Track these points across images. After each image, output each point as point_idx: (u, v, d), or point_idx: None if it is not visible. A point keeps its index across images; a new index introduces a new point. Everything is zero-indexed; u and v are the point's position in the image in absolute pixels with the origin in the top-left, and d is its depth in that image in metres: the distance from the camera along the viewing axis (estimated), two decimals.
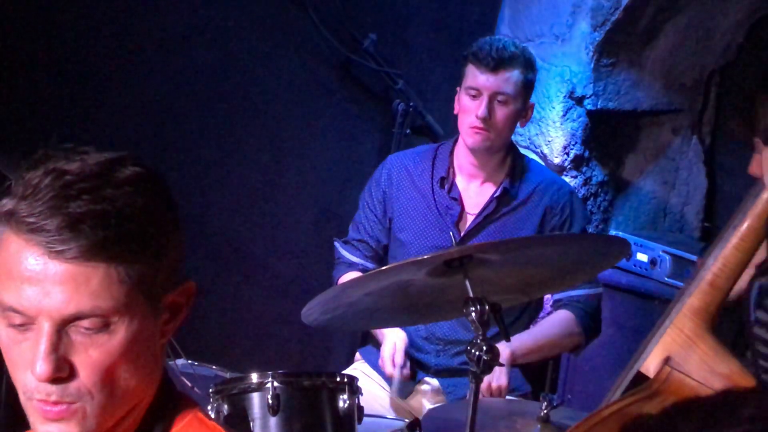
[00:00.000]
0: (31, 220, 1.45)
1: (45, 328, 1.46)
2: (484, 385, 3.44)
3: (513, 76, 3.54)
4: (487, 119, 3.51)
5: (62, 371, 1.47)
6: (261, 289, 4.19)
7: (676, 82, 4.93)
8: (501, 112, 3.54)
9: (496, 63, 3.51)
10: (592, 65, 4.75)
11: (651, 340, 2.43)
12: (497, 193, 3.64)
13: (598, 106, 4.82)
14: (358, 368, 3.73)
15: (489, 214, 3.64)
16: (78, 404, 1.50)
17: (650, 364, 2.37)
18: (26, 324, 1.48)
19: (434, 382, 3.69)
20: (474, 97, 3.54)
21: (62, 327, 1.47)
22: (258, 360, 3.07)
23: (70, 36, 3.82)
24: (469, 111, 3.55)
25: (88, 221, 1.45)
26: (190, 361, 3.14)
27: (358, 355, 3.84)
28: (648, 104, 4.93)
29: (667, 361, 2.34)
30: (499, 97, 3.52)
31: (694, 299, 2.37)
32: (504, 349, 3.51)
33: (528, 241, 3.25)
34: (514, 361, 3.53)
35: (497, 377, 3.47)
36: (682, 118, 5.00)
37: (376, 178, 3.77)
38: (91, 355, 1.49)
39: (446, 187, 3.65)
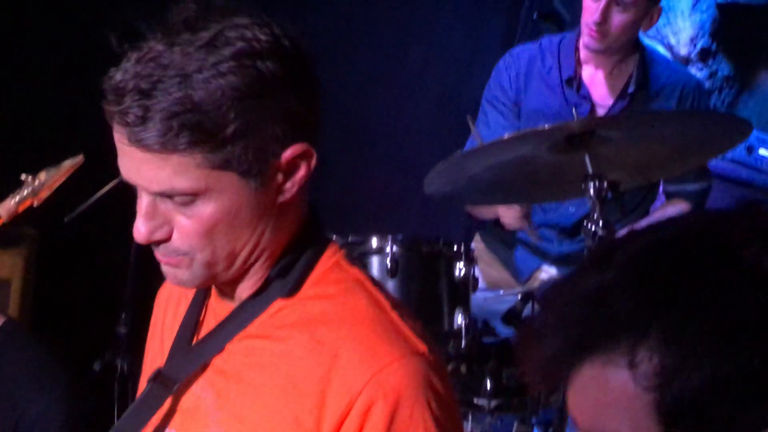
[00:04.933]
0: (114, 109, 1.51)
1: (145, 200, 1.57)
2: None
3: None
4: (601, 24, 3.39)
5: (158, 234, 1.57)
6: (384, 163, 4.23)
7: None
8: (618, 18, 3.40)
9: None
10: None
11: None
12: (632, 88, 3.57)
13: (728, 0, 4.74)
14: (476, 249, 3.75)
15: (623, 109, 3.58)
16: (181, 257, 1.59)
17: None
18: (138, 190, 1.58)
19: (552, 270, 3.71)
20: None
21: (159, 198, 1.56)
22: (378, 230, 3.13)
23: None
24: (588, 11, 3.42)
25: (166, 111, 1.49)
26: None
27: (477, 236, 3.85)
28: None
29: None
30: (619, 5, 3.38)
31: None
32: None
33: (651, 116, 3.20)
34: None
35: None
36: None
37: (503, 74, 3.69)
38: (184, 223, 1.56)
39: (574, 85, 3.59)
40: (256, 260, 1.63)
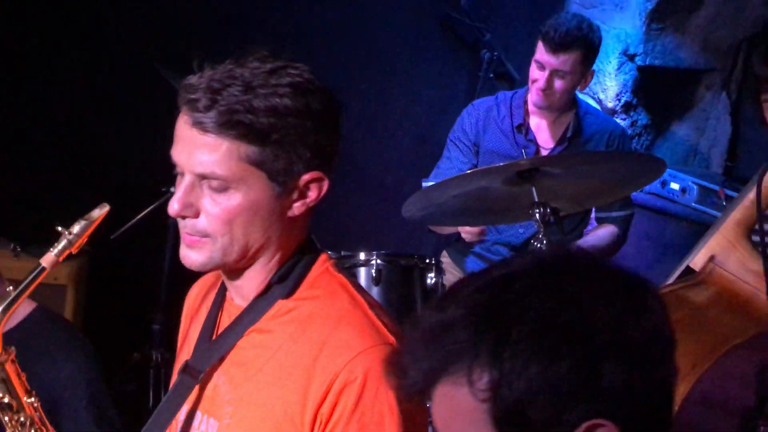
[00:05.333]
0: (190, 96, 1.51)
1: (186, 179, 1.55)
2: None
3: (572, 57, 3.37)
4: (546, 89, 3.41)
5: (188, 212, 1.55)
6: (370, 192, 4.21)
7: (712, 47, 4.83)
8: (559, 84, 3.41)
9: (557, 46, 3.35)
10: (644, 29, 4.68)
11: (700, 243, 2.42)
12: (570, 134, 3.55)
13: (647, 63, 4.76)
14: (444, 262, 3.75)
15: (562, 151, 3.54)
16: (205, 240, 1.57)
17: (698, 261, 2.36)
18: (182, 174, 1.56)
19: None
20: (539, 68, 3.42)
21: (198, 181, 1.54)
22: (365, 247, 3.14)
23: None
24: (534, 78, 3.45)
25: (228, 107, 1.49)
26: None
27: (444, 252, 3.81)
28: (688, 63, 4.85)
29: (711, 259, 2.32)
30: (559, 73, 3.39)
31: (737, 213, 2.35)
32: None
33: (586, 156, 3.20)
34: None
35: None
36: (714, 76, 4.91)
37: (465, 121, 3.67)
38: (212, 209, 1.55)
39: (523, 131, 3.55)
40: (259, 258, 1.62)
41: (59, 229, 1.65)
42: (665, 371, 1.13)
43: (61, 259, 1.66)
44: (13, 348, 1.69)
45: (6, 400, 1.64)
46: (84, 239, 1.65)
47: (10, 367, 1.67)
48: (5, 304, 1.66)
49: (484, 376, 1.07)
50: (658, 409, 1.13)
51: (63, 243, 1.64)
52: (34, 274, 1.65)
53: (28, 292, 1.67)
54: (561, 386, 1.06)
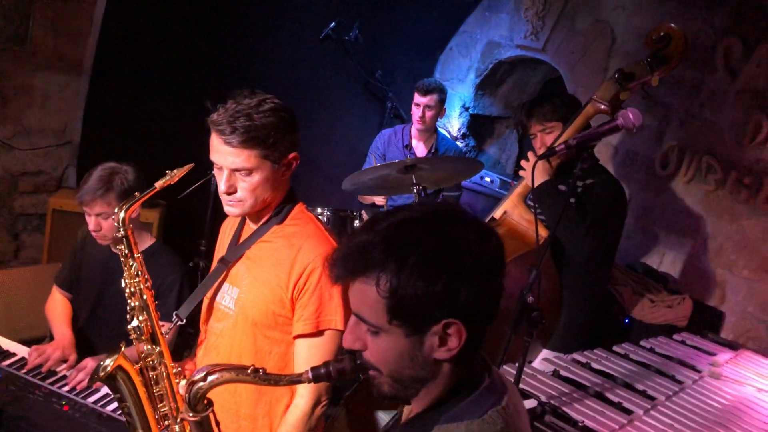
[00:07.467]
0: (218, 127, 1.47)
1: (225, 172, 1.52)
2: None
3: (434, 98, 3.39)
4: (422, 118, 3.42)
5: (231, 189, 1.52)
6: (324, 179, 4.12)
7: (509, 104, 4.90)
8: (428, 114, 3.42)
9: (425, 91, 3.36)
10: (474, 94, 4.71)
11: (498, 205, 2.47)
12: (433, 150, 3.55)
13: (475, 112, 4.78)
14: (363, 216, 3.72)
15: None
16: (239, 203, 1.54)
17: (497, 214, 2.41)
18: (221, 168, 1.52)
19: None
20: (417, 106, 3.43)
21: (232, 172, 1.51)
22: (320, 204, 3.12)
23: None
24: (414, 114, 3.45)
25: (242, 129, 1.46)
26: None
27: (363, 211, 3.72)
28: (497, 113, 4.89)
29: (505, 213, 2.40)
30: (428, 108, 3.42)
31: (519, 188, 2.41)
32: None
33: (441, 159, 3.22)
34: None
35: None
36: (509, 120, 4.98)
37: (378, 141, 3.64)
38: (243, 186, 1.52)
39: (409, 149, 3.55)
40: (268, 205, 1.59)
41: (167, 172, 1.64)
42: (498, 282, 1.03)
43: (165, 184, 1.65)
44: (142, 261, 1.70)
45: (143, 279, 1.67)
46: (177, 178, 1.64)
47: (138, 261, 1.67)
48: (135, 199, 1.67)
49: (387, 282, 0.97)
50: (492, 306, 1.02)
51: (165, 178, 1.65)
52: (149, 189, 1.66)
53: (146, 197, 1.65)
54: (434, 298, 0.96)
